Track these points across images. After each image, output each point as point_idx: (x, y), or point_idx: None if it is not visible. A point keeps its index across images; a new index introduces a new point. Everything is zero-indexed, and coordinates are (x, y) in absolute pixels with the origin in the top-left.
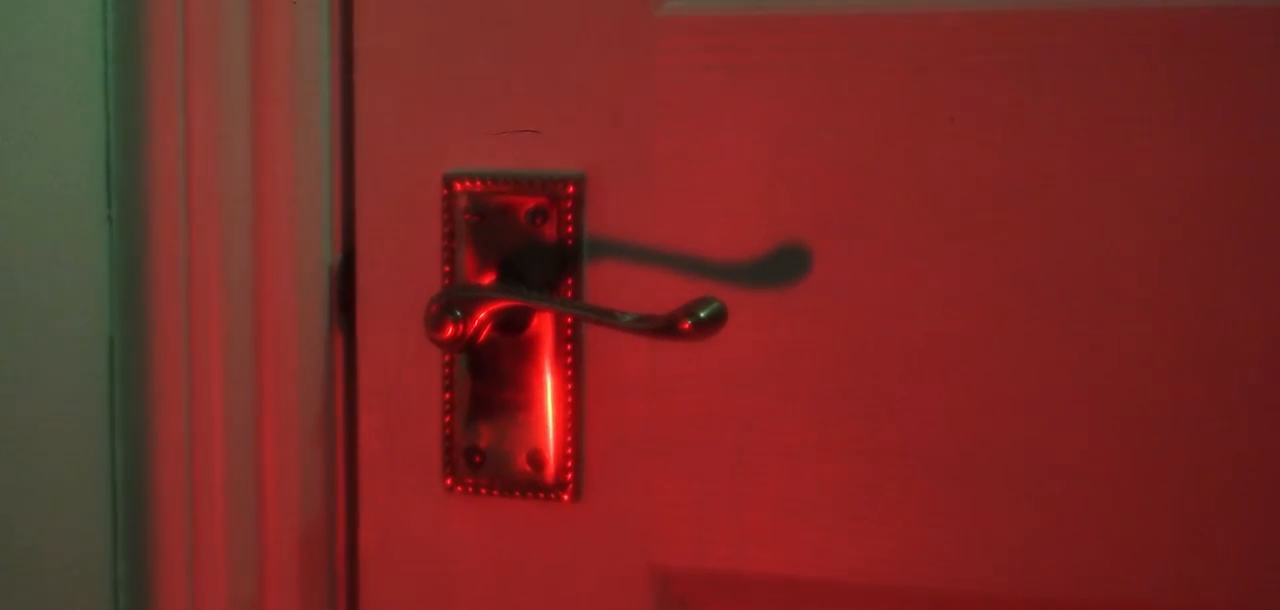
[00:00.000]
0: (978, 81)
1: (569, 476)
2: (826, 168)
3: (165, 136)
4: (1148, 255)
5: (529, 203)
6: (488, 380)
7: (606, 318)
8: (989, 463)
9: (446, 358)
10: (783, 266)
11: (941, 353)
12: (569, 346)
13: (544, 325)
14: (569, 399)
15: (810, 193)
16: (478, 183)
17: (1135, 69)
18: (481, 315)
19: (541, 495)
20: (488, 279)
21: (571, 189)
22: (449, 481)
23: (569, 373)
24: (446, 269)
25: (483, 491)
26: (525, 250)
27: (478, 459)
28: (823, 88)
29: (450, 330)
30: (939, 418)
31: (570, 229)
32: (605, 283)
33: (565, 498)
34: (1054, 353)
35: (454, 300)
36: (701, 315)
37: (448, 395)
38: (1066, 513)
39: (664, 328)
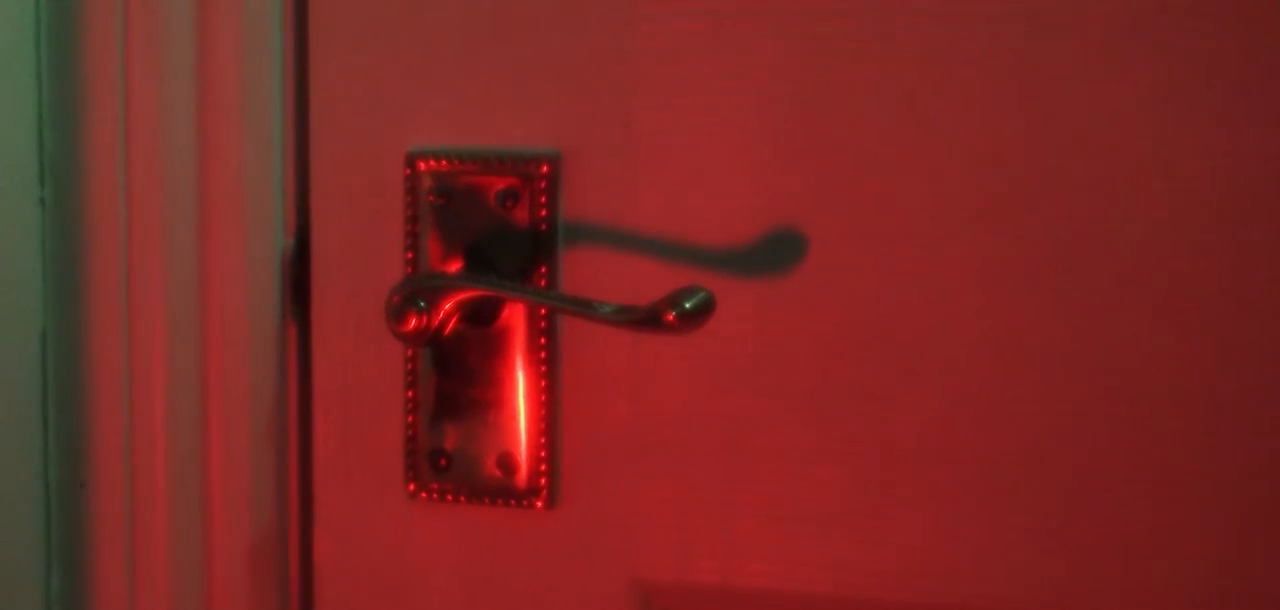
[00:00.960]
0: (993, 46)
1: (543, 482)
2: (824, 144)
3: (103, 112)
4: (1177, 242)
5: (499, 183)
6: (454, 377)
7: (583, 309)
8: (1002, 466)
9: (409, 352)
10: (776, 252)
11: (950, 347)
12: (543, 340)
13: (515, 317)
14: (543, 397)
15: (806, 171)
16: (443, 162)
17: (1169, 36)
18: (447, 306)
19: (513, 502)
20: (454, 266)
21: (545, 168)
22: (412, 487)
23: (543, 369)
24: (409, 255)
25: (448, 498)
26: (495, 235)
27: (443, 462)
28: (820, 56)
29: (413, 322)
30: (947, 417)
31: (544, 212)
32: (582, 270)
33: (538, 505)
34: (1074, 347)
35: (417, 290)
36: (687, 306)
37: (410, 393)
38: (1087, 522)
39: (646, 320)
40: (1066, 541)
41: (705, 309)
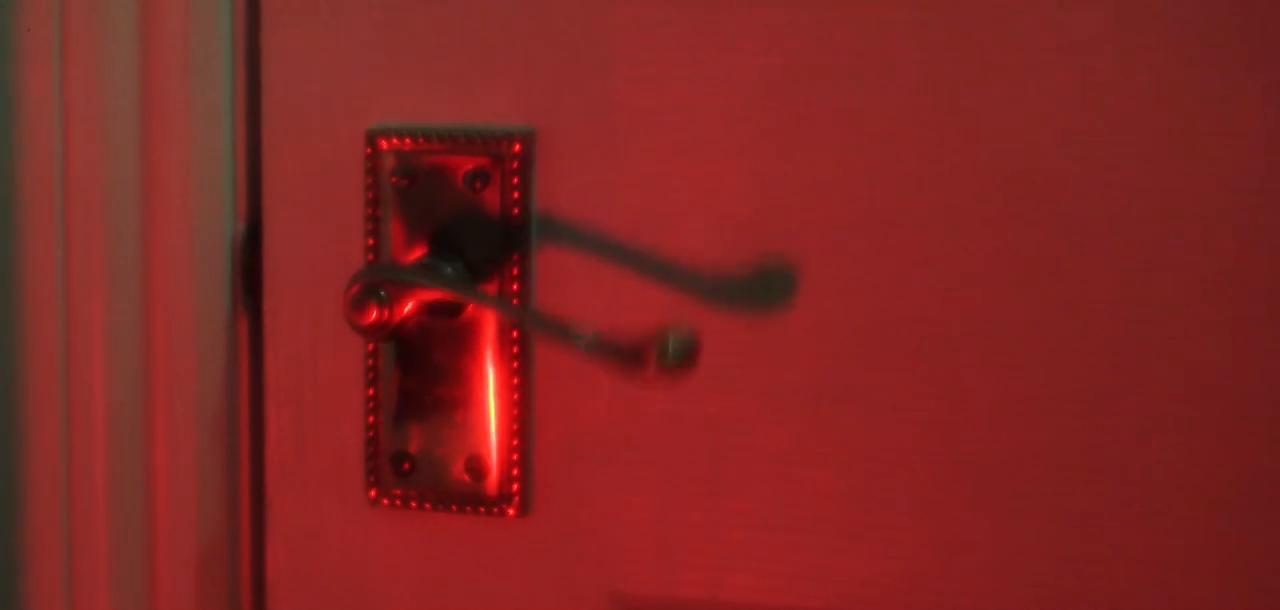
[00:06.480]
0: (999, 33)
1: (515, 487)
2: (818, 123)
3: (38, 85)
4: (1182, 239)
5: (468, 164)
6: (419, 373)
7: (559, 333)
8: (1008, 471)
9: (370, 347)
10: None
11: (949, 345)
12: (515, 333)
13: (485, 309)
14: (515, 396)
15: (799, 153)
16: (407, 140)
17: (1175, 25)
18: (411, 298)
19: (482, 509)
20: (419, 253)
21: (518, 147)
22: (373, 493)
23: (515, 364)
24: (370, 242)
25: (413, 504)
26: (464, 219)
27: (407, 466)
28: (813, 27)
29: (374, 314)
30: (947, 420)
31: (516, 195)
32: (558, 259)
33: (510, 512)
34: (1087, 344)
35: (379, 279)
36: (670, 351)
37: (371, 391)
38: (1098, 529)
39: (627, 360)
40: (1071, 550)
41: (688, 354)
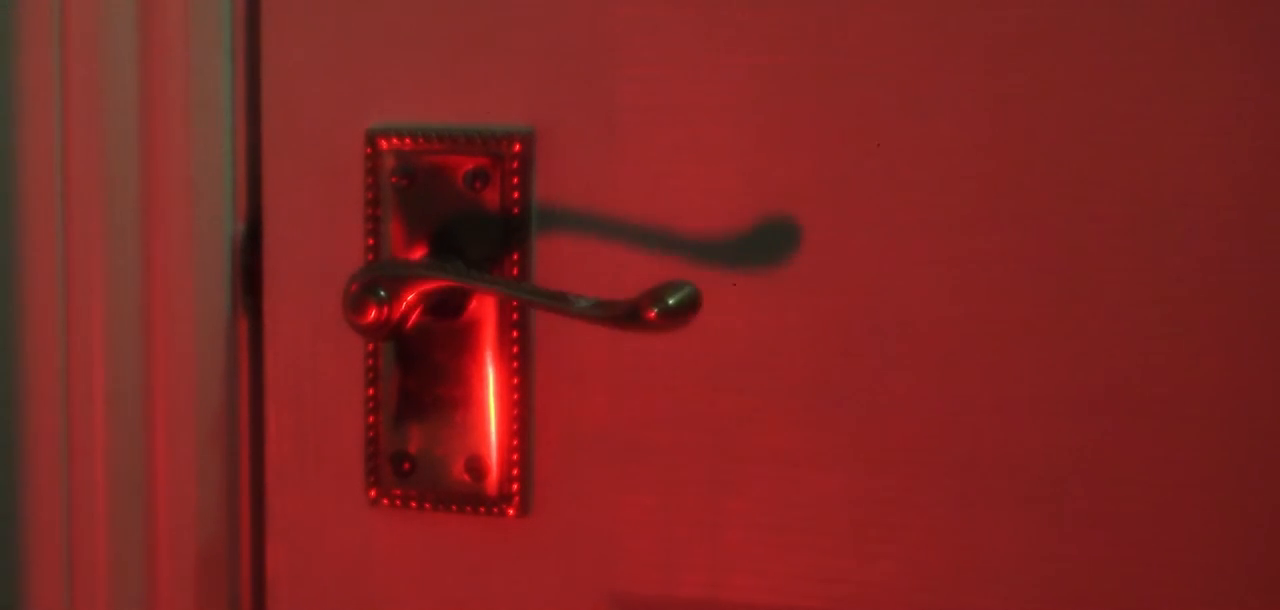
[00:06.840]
0: (999, 28)
1: (515, 487)
2: (819, 121)
3: (38, 83)
4: (1184, 239)
5: (468, 163)
6: (419, 373)
7: (557, 303)
8: (1008, 471)
9: (370, 347)
10: (767, 241)
11: (954, 343)
12: (515, 333)
13: (485, 308)
14: (515, 396)
15: (799, 152)
16: (407, 140)
17: (1178, 24)
18: (411, 296)
19: (482, 509)
20: (419, 253)
21: (517, 147)
22: (373, 493)
23: (515, 364)
24: (370, 242)
25: (413, 504)
26: (463, 219)
27: (407, 466)
28: (813, 27)
29: (373, 313)
30: (949, 420)
31: (516, 194)
32: (558, 259)
33: (510, 512)
34: (1087, 344)
35: (378, 278)
36: (670, 302)
37: (371, 391)
38: (1099, 529)
39: (626, 316)
40: (1071, 550)
41: (690, 306)
